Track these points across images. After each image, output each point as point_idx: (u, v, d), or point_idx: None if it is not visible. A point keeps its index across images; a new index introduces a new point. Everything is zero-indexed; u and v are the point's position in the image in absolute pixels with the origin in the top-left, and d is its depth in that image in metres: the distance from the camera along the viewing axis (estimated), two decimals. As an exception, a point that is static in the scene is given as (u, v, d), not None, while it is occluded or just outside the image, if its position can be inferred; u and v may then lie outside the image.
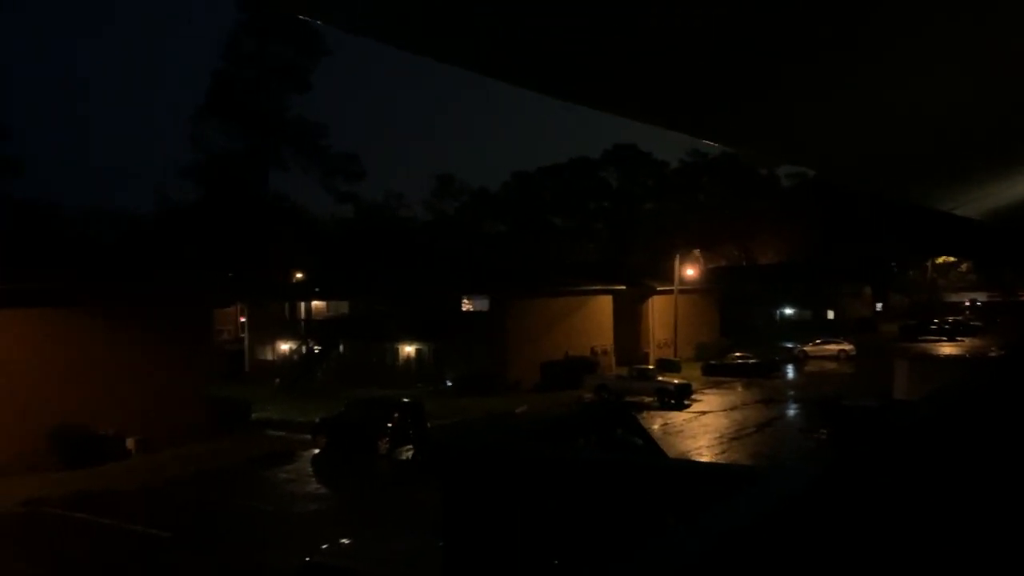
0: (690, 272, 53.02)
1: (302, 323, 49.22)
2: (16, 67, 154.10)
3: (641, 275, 51.60)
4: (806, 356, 52.56)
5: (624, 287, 48.38)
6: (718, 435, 28.33)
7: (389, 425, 25.96)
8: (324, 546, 11.43)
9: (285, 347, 49.65)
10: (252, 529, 18.10)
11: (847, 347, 53.18)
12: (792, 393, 39.59)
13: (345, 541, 11.89)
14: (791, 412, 35.02)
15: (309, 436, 27.76)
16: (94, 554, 16.33)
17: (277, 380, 45.08)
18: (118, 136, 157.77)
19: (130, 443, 25.90)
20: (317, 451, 26.61)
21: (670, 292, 50.47)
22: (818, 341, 54.70)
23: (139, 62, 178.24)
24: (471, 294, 43.01)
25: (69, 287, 26.06)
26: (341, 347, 46.44)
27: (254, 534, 17.63)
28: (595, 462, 5.38)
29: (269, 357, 50.33)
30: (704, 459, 24.06)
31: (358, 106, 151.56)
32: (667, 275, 51.09)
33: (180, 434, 27.15)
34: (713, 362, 46.42)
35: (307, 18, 2.70)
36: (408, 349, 44.19)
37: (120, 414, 25.97)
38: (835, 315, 72.44)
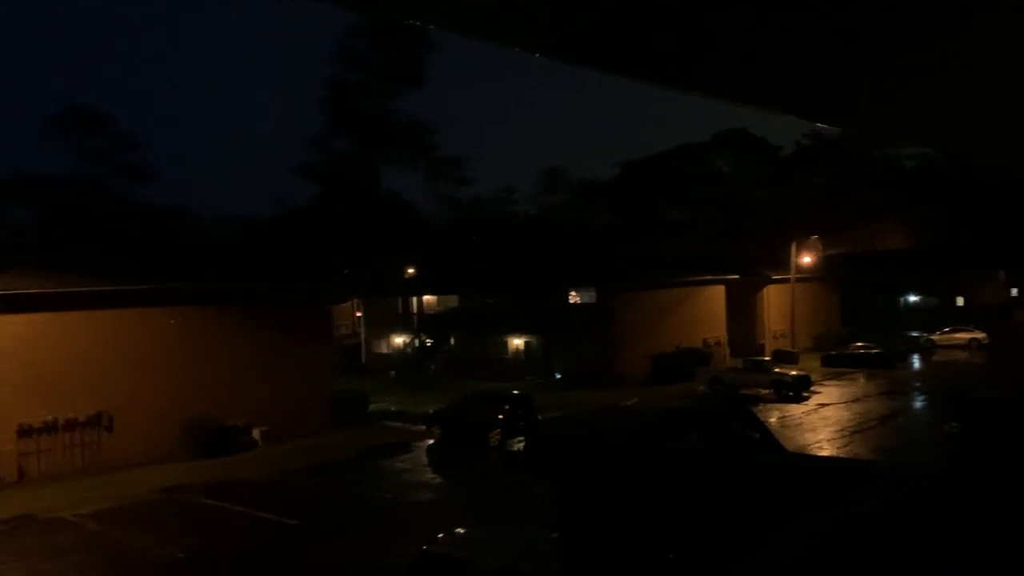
0: (807, 260, 51.21)
1: (414, 317, 50.40)
2: (148, 77, 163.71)
3: (755, 264, 50.21)
4: (934, 345, 49.99)
5: (737, 276, 47.24)
6: (839, 428, 27.33)
7: (500, 417, 26.28)
8: (440, 535, 11.68)
9: (399, 341, 50.99)
10: (372, 517, 18.71)
11: (979, 335, 50.28)
12: (918, 384, 37.75)
13: (460, 531, 12.12)
14: (917, 404, 33.41)
15: (423, 427, 28.46)
16: (226, 539, 17.27)
17: (392, 373, 46.36)
18: (242, 142, 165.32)
19: (256, 434, 27.22)
20: (431, 442, 27.24)
21: (786, 281, 48.92)
22: (947, 329, 51.93)
23: (262, 67, 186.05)
24: (579, 287, 42.94)
25: (201, 287, 27.62)
26: (452, 340, 47.30)
27: (374, 522, 18.23)
28: (711, 457, 5.31)
29: (384, 351, 51.81)
30: (824, 454, 23.27)
31: (466, 100, 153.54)
32: (783, 263, 49.51)
33: (303, 425, 28.34)
34: (833, 352, 44.77)
35: (426, 24, 2.79)
36: (517, 342, 44.55)
37: (247, 406, 27.32)
38: (965, 302, 68.48)
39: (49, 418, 23.82)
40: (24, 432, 23.38)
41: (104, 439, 24.90)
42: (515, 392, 29.10)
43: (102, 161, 56.37)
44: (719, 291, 46.47)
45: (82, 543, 17.21)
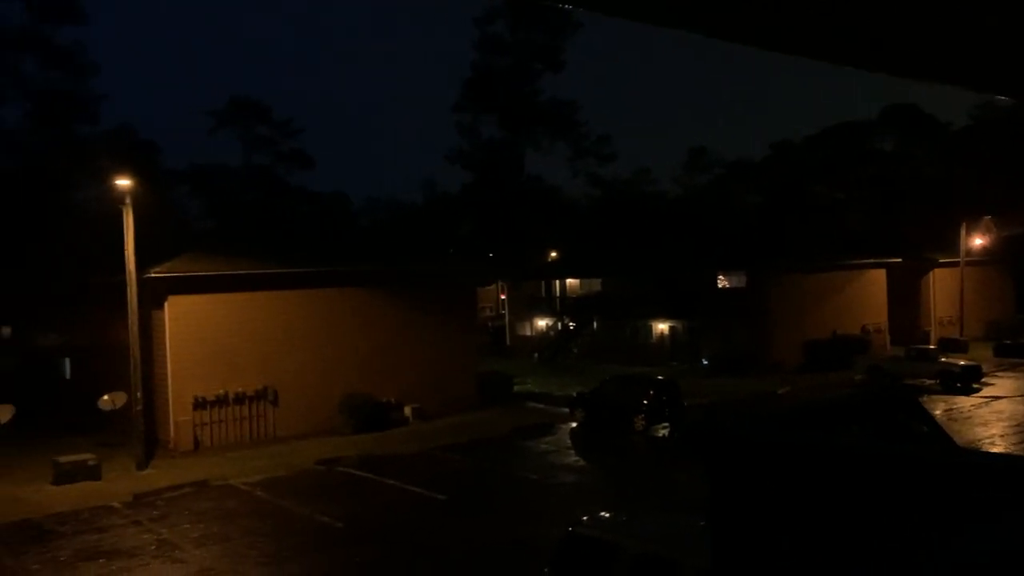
0: (979, 242, 47.48)
1: (557, 300, 50.61)
2: (304, 67, 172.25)
3: (919, 247, 47.08)
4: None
5: (899, 260, 44.48)
6: (1014, 423, 25.30)
7: (645, 402, 26.03)
8: (585, 518, 11.71)
9: (542, 323, 51.38)
10: (517, 496, 19.04)
11: None
12: (1109, 379, 34.33)
13: (605, 514, 12.11)
14: (1108, 401, 30.40)
15: (567, 410, 28.60)
16: (380, 510, 18.04)
17: (535, 355, 46.82)
18: (393, 129, 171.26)
19: (407, 411, 28.25)
20: (575, 424, 27.35)
21: (955, 264, 45.56)
22: None
23: (412, 56, 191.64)
24: (727, 270, 41.74)
25: (359, 270, 28.87)
26: (595, 324, 47.21)
27: (519, 501, 18.55)
28: (877, 451, 5.03)
29: (527, 333, 52.35)
30: (997, 450, 21.62)
31: (608, 80, 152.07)
32: (951, 246, 46.14)
33: (451, 404, 29.17)
34: (1007, 342, 41.37)
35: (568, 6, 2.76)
36: (662, 326, 43.90)
37: (399, 385, 28.41)
38: None
39: (221, 392, 25.65)
40: (199, 404, 25.29)
41: (269, 412, 26.58)
42: (660, 377, 28.73)
43: (265, 150, 59.90)
44: (880, 275, 43.96)
45: (250, 509, 18.46)
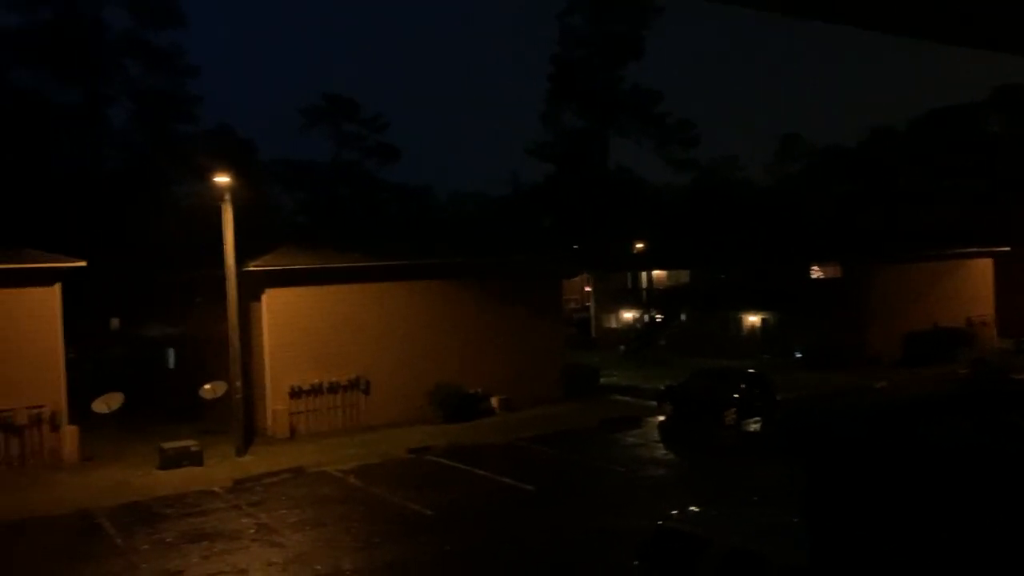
0: (1095, 229, 44.65)
1: (644, 292, 50.09)
2: (389, 61, 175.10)
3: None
4: None
5: (1008, 249, 42.27)
6: None
7: (736, 396, 25.54)
8: (674, 512, 11.61)
9: (628, 316, 50.97)
10: (604, 488, 18.97)
11: None
12: None
13: (694, 508, 11.98)
14: None
15: (654, 403, 28.33)
16: (469, 499, 18.27)
17: (621, 347, 46.48)
18: (478, 122, 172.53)
19: (495, 402, 28.49)
20: (662, 418, 27.07)
21: (1068, 253, 43.00)
22: None
23: (497, 49, 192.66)
24: (821, 260, 40.49)
25: (446, 262, 29.24)
26: (683, 316, 46.54)
27: (606, 493, 18.48)
28: (989, 449, 4.80)
29: (613, 325, 52.04)
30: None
31: (693, 66, 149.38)
32: (1064, 234, 43.54)
33: (537, 396, 29.28)
34: None
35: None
36: (752, 319, 42.95)
37: (486, 376, 28.67)
38: None
39: (315, 381, 26.41)
40: (295, 394, 26.11)
41: (361, 401, 27.23)
42: (751, 370, 28.14)
43: (353, 145, 61.24)
44: (986, 265, 41.89)
45: (344, 496, 18.98)
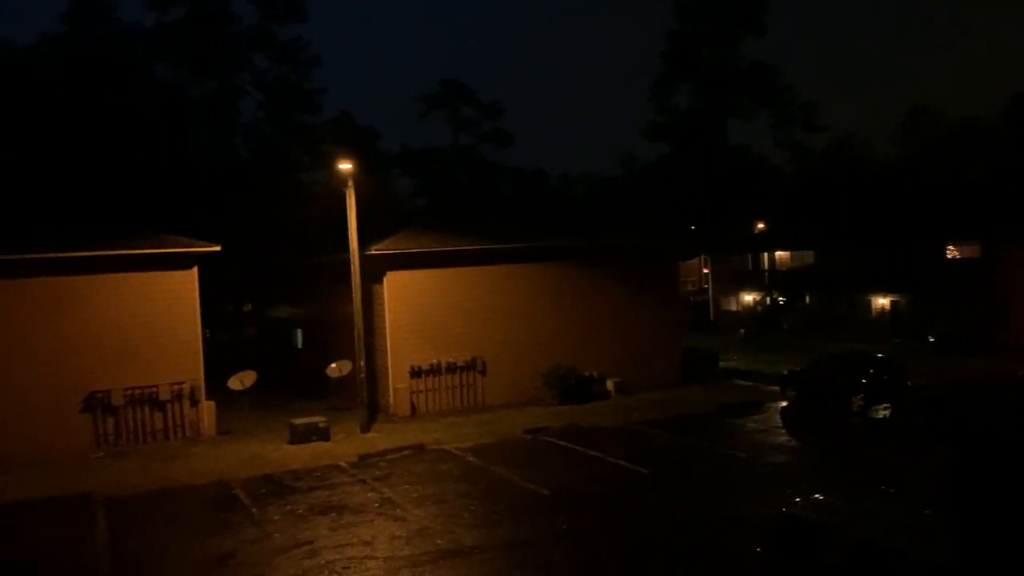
0: None
1: (765, 274, 48.66)
2: (502, 44, 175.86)
3: None
4: None
5: None
6: None
7: (864, 381, 24.51)
8: (798, 499, 11.29)
9: (748, 298, 49.67)
10: (723, 474, 18.62)
11: None
12: None
13: (819, 496, 11.61)
14: None
15: (777, 387, 27.54)
16: (584, 479, 18.31)
17: (741, 331, 45.38)
18: (592, 103, 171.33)
19: (610, 385, 28.38)
20: (785, 403, 26.28)
21: None
22: None
23: (605, 31, 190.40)
24: (958, 239, 38.21)
25: (560, 245, 29.26)
26: (806, 298, 44.95)
27: (725, 478, 18.13)
28: None
29: (733, 308, 50.85)
30: None
31: (813, 38, 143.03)
32: None
33: (653, 379, 28.98)
34: None
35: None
36: (881, 301, 41.04)
37: (601, 358, 28.59)
38: None
39: (434, 361, 27.03)
40: (415, 373, 26.82)
41: (478, 382, 27.69)
42: (880, 355, 26.91)
43: (469, 130, 61.97)
44: None
45: (463, 473, 19.38)
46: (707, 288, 56.07)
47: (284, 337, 36.74)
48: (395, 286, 26.74)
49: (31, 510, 17.70)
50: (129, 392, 23.48)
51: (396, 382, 26.65)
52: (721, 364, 33.48)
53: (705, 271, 59.55)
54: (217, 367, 26.85)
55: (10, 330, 22.31)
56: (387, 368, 26.83)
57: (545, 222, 35.32)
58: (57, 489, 19.05)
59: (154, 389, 23.80)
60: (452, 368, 27.32)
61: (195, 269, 24.60)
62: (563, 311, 28.91)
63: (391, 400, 26.73)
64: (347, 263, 24.52)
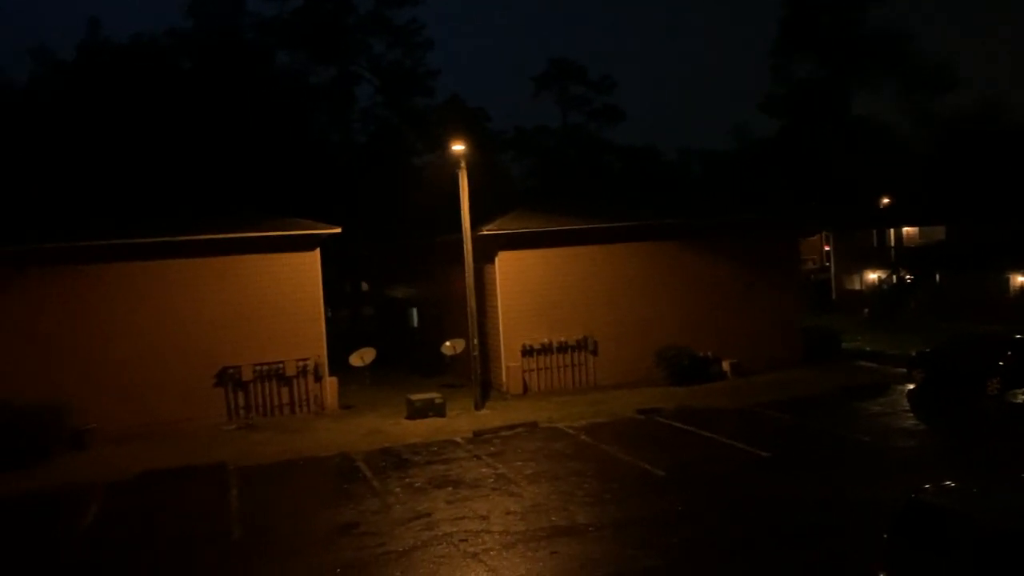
0: None
1: (891, 251, 46.41)
2: (611, 21, 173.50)
3: None
4: None
5: None
6: None
7: (1001, 364, 23.10)
8: (928, 486, 10.81)
9: (873, 276, 47.52)
10: (846, 457, 17.99)
11: None
12: None
13: (950, 483, 11.09)
14: None
15: (903, 369, 26.34)
16: (700, 462, 18.05)
17: (865, 310, 43.57)
18: (702, 80, 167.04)
19: (726, 365, 27.80)
20: (912, 386, 25.10)
21: None
22: None
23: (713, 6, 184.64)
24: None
25: (674, 222, 28.78)
26: (936, 276, 42.60)
27: (849, 463, 17.52)
28: None
29: (856, 287, 48.79)
30: None
31: (942, 5, 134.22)
32: None
33: (771, 360, 28.19)
34: None
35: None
36: (1021, 280, 38.45)
37: (716, 338, 28.03)
38: None
39: (546, 340, 27.18)
40: (526, 352, 27.05)
41: (590, 361, 27.68)
42: (1019, 336, 25.28)
43: (580, 108, 61.56)
44: None
45: (575, 451, 19.48)
46: (828, 266, 53.94)
47: (400, 316, 37.75)
48: (507, 266, 26.98)
49: (172, 477, 18.96)
50: (258, 368, 24.72)
51: (508, 361, 26.97)
52: (844, 345, 32.22)
53: (826, 248, 57.28)
54: (338, 344, 27.89)
55: (149, 309, 23.82)
56: (499, 347, 27.17)
57: (658, 199, 34.77)
58: (195, 458, 20.32)
59: (281, 365, 24.95)
60: (563, 347, 27.40)
61: (318, 251, 25.56)
62: (677, 290, 28.46)
63: (503, 378, 27.08)
64: (460, 244, 24.91)
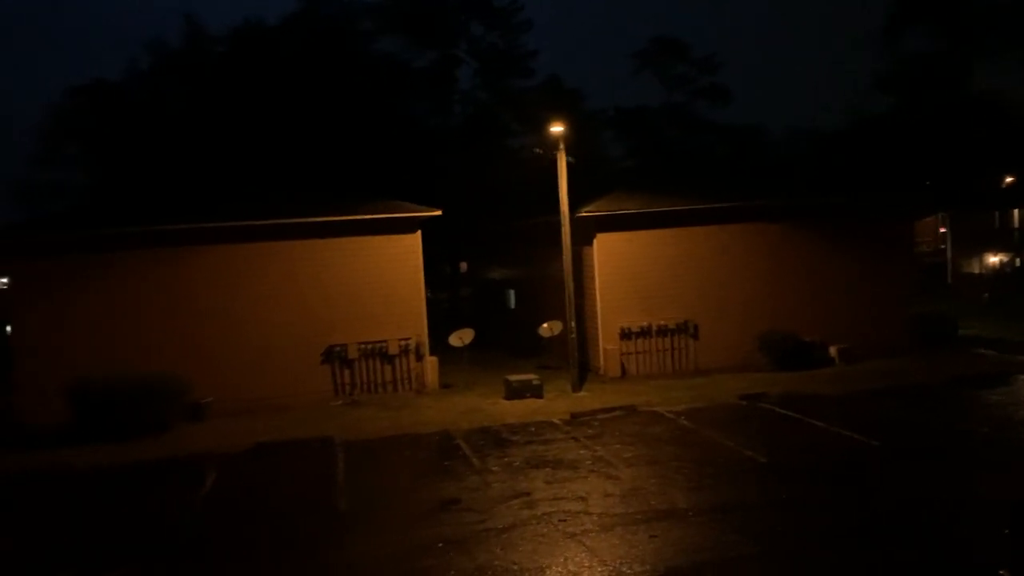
0: None
1: (1015, 232, 43.87)
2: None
3: None
4: None
5: None
6: None
7: None
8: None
9: (993, 260, 45.05)
10: (962, 449, 17.17)
11: None
12: None
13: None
14: None
15: (1027, 359, 24.96)
16: (805, 450, 17.59)
17: (985, 295, 41.42)
18: (810, 58, 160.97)
19: (833, 351, 26.94)
20: (1037, 377, 23.75)
21: None
22: None
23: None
24: None
25: (779, 203, 27.99)
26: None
27: (965, 454, 16.71)
28: None
29: (974, 270, 46.37)
30: None
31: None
32: None
33: (880, 346, 27.16)
34: None
35: None
36: None
37: (822, 323, 27.20)
38: None
39: (644, 323, 26.95)
40: (625, 335, 26.89)
41: (690, 345, 27.30)
42: None
43: (683, 88, 60.35)
44: None
45: (674, 436, 19.29)
46: (944, 248, 51.43)
47: (497, 297, 38.12)
48: (605, 248, 26.84)
49: (283, 449, 19.80)
50: (362, 346, 25.46)
51: (606, 343, 26.87)
52: (960, 331, 30.71)
53: (942, 230, 54.60)
54: (438, 325, 28.40)
55: (261, 290, 24.85)
56: (597, 329, 27.10)
57: (763, 179, 33.84)
58: (304, 432, 21.16)
59: (384, 344, 25.62)
60: (663, 331, 27.11)
61: (419, 233, 26.05)
62: (781, 273, 27.70)
63: (601, 361, 27.01)
64: (557, 225, 24.91)
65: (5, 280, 29.03)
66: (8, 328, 25.73)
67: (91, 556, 13.40)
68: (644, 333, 27.04)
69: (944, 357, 26.98)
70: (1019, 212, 43.93)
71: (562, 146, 24.42)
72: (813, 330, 26.89)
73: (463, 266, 48.09)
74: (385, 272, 25.68)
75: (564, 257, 24.93)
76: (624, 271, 26.87)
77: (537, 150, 25.64)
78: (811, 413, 20.56)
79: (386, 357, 25.80)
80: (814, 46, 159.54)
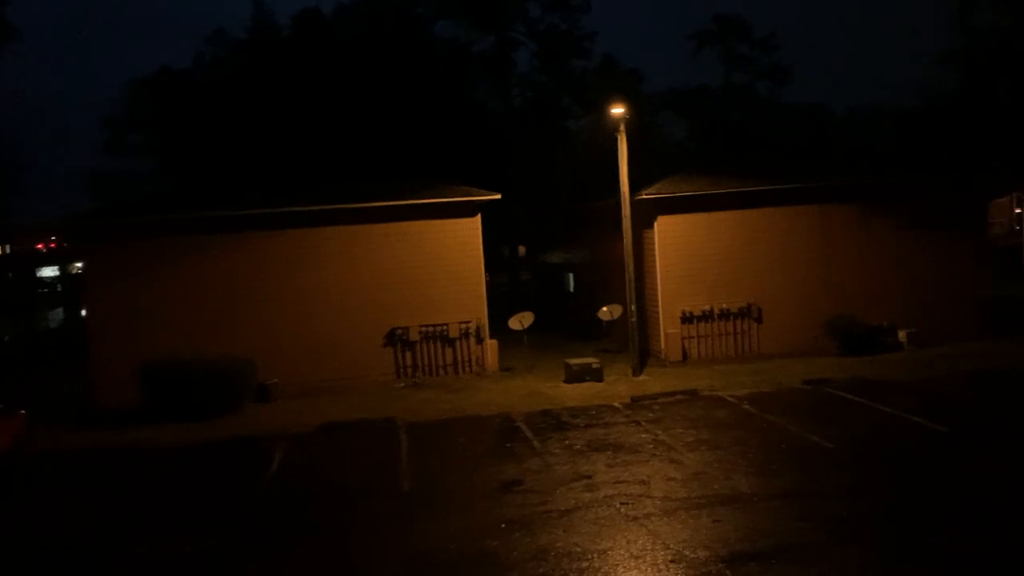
0: None
1: (1096, 213, 42.00)
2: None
3: None
4: None
5: None
6: None
7: None
8: None
9: (1073, 242, 43.24)
10: (1039, 438, 16.65)
11: None
12: None
13: None
14: None
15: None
16: (871, 436, 17.25)
17: (1063, 279, 39.70)
18: (875, 34, 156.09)
19: (902, 335, 26.28)
20: (1120, 363, 22.81)
21: None
22: None
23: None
24: None
25: (840, 185, 27.34)
26: None
27: (1042, 444, 16.21)
28: None
29: (1052, 253, 44.54)
30: None
31: None
32: None
33: (952, 330, 26.38)
34: None
35: None
36: None
37: (890, 307, 26.55)
38: None
39: (706, 307, 26.66)
40: (686, 319, 26.65)
41: (752, 329, 26.92)
42: None
43: (744, 68, 59.27)
44: None
45: (738, 421, 19.09)
46: (1019, 230, 49.60)
47: (557, 280, 38.09)
48: (666, 230, 26.58)
49: (347, 430, 20.22)
50: (424, 329, 25.77)
51: (667, 327, 26.67)
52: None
53: (1017, 211, 52.67)
54: (498, 308, 28.55)
55: (325, 274, 25.32)
56: (658, 313, 26.91)
57: (827, 160, 33.06)
58: (367, 413, 21.55)
59: (445, 327, 25.88)
60: (725, 314, 26.78)
61: (479, 216, 26.19)
62: (847, 255, 27.08)
63: (662, 345, 26.83)
64: (617, 208, 24.75)
65: (80, 265, 30.21)
66: (84, 312, 26.75)
67: (168, 530, 13.92)
68: (706, 317, 26.75)
69: (1020, 343, 26.06)
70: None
71: (622, 128, 24.22)
72: (881, 314, 26.25)
73: (521, 249, 48.19)
74: (446, 256, 25.90)
75: (624, 240, 24.78)
76: (685, 254, 26.60)
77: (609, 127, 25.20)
78: (879, 399, 20.11)
79: (447, 340, 26.06)
80: (878, 22, 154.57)
